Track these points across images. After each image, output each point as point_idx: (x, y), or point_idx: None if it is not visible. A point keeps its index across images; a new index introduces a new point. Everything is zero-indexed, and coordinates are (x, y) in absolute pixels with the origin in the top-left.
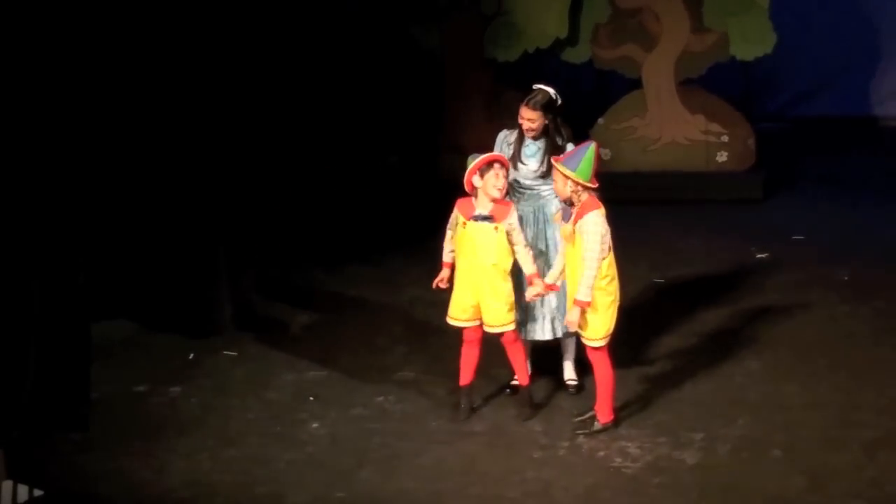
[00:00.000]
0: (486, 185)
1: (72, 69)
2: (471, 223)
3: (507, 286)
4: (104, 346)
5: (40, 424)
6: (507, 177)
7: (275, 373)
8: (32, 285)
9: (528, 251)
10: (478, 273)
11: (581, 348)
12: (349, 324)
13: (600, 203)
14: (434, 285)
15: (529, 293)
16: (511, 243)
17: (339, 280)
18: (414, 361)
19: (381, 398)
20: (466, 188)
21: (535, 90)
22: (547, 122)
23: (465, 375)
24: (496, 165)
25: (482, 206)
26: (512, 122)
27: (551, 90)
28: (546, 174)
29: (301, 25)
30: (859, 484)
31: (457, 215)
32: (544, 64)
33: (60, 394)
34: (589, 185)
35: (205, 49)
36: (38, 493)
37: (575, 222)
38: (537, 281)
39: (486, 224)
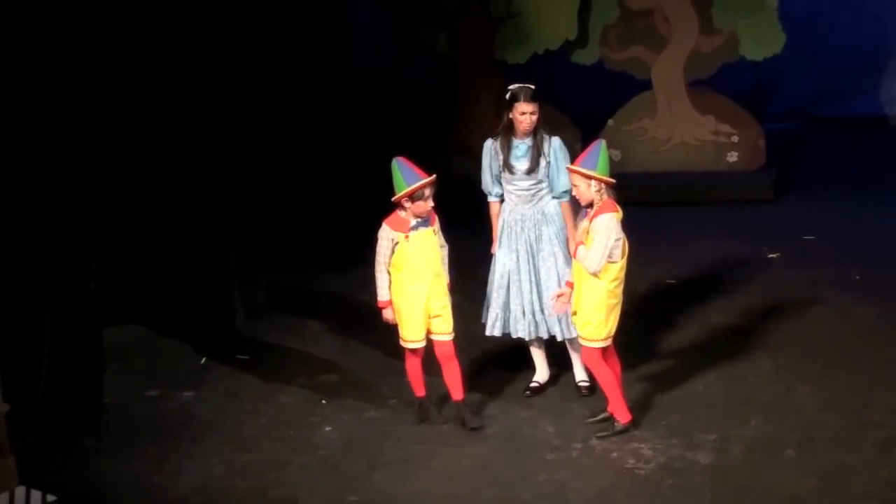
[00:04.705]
0: (416, 207)
1: (82, 79)
2: (413, 234)
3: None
4: (116, 351)
5: (53, 430)
6: (434, 195)
7: (287, 377)
8: (44, 292)
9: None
10: (426, 282)
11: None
12: (360, 327)
13: (618, 207)
14: (390, 323)
15: (555, 295)
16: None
17: (349, 283)
18: (425, 364)
19: (393, 401)
20: (394, 202)
21: (521, 87)
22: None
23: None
24: (426, 191)
25: (413, 217)
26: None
27: (530, 84)
28: (534, 168)
29: (310, 31)
30: (874, 484)
31: (393, 236)
32: (554, 65)
33: (73, 399)
34: (610, 180)
35: (215, 57)
36: (51, 498)
37: (591, 220)
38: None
39: (426, 230)
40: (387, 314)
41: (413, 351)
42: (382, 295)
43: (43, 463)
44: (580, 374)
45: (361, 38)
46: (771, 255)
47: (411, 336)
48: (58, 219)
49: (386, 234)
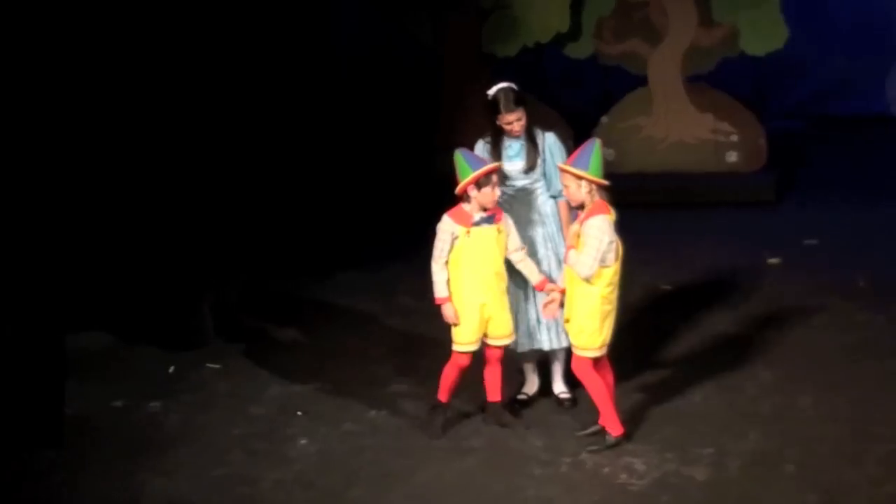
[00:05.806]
0: (482, 196)
1: (70, 80)
2: (475, 230)
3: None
4: (80, 358)
5: (11, 441)
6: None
7: (261, 386)
8: (2, 295)
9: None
10: (487, 282)
11: (569, 362)
12: (340, 334)
13: (610, 209)
14: (455, 324)
15: (545, 302)
16: (507, 248)
17: (329, 288)
18: (408, 374)
19: (373, 413)
20: (458, 193)
21: (501, 91)
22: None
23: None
24: (494, 177)
25: (477, 210)
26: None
27: (511, 84)
28: (531, 167)
29: (294, 29)
30: (877, 500)
31: (453, 230)
32: (545, 59)
33: (32, 409)
34: (603, 182)
35: (201, 58)
36: None
37: (581, 223)
38: (550, 286)
39: (489, 227)
40: (447, 310)
41: (462, 355)
42: (441, 291)
43: (1, 476)
44: (559, 386)
45: (346, 37)
46: (771, 261)
47: (464, 338)
48: (16, 216)
49: (447, 226)
